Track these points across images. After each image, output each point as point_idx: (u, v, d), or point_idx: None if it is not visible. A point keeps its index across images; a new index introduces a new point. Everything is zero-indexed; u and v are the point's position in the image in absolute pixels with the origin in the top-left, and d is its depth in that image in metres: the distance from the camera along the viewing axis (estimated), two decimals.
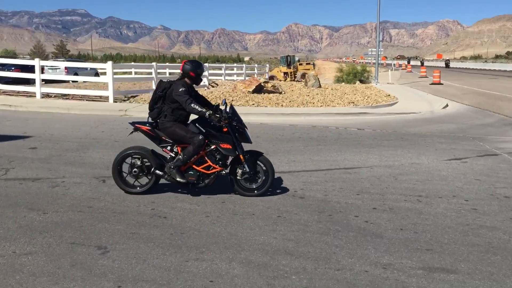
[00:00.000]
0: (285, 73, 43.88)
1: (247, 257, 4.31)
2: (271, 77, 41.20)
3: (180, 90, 5.94)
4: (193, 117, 6.21)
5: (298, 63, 47.48)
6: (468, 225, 5.28)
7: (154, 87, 19.27)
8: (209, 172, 6.09)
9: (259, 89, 20.06)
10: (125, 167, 6.23)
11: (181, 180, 6.02)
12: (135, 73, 34.12)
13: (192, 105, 5.90)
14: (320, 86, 24.17)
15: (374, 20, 34.33)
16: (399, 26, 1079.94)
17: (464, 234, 5.01)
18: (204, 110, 5.93)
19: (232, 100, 16.87)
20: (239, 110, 6.74)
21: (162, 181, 6.25)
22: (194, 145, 5.91)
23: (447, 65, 76.94)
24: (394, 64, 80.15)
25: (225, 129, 6.08)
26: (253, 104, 16.64)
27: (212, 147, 6.08)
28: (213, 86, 25.03)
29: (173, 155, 6.14)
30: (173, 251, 4.42)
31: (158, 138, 6.19)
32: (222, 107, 6.26)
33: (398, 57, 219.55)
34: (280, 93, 20.29)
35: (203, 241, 4.68)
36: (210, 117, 5.91)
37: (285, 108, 16.10)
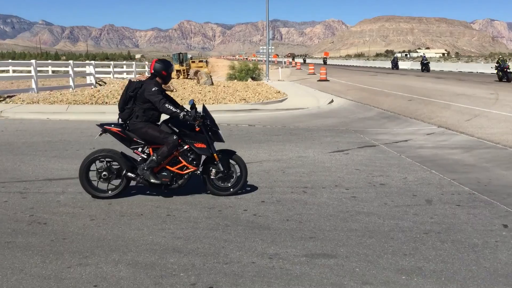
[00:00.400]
0: (178, 71, 43.37)
1: (134, 258, 4.21)
2: None
3: (153, 89, 5.85)
4: (164, 116, 6.01)
5: (191, 61, 47.18)
6: (348, 212, 5.64)
7: (34, 86, 18.03)
8: (183, 172, 6.03)
9: None
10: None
11: (155, 181, 5.91)
12: (14, 71, 31.61)
13: (166, 105, 5.85)
14: (212, 84, 24.27)
15: (265, 19, 35.22)
16: (289, 25, 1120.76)
17: (344, 220, 5.35)
18: (178, 110, 5.87)
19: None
20: None
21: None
22: (168, 145, 5.85)
23: (324, 62, 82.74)
24: (284, 62, 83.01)
25: (197, 129, 6.01)
26: None
27: (186, 147, 6.04)
28: (100, 85, 24.01)
29: (145, 157, 6.02)
30: (53, 258, 4.18)
31: (129, 139, 6.03)
32: (188, 108, 6.15)
33: (289, 55, 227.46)
34: (172, 91, 20.03)
35: (87, 245, 4.48)
36: (185, 117, 5.84)
37: None
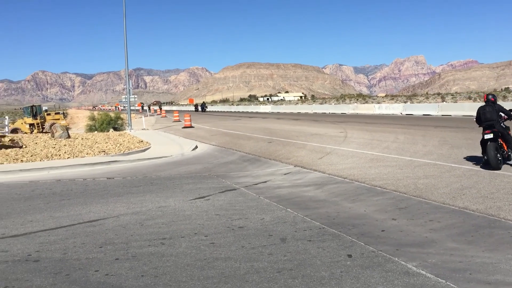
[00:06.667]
0: (31, 125, 40.51)
1: None
2: (15, 130, 37.48)
3: (503, 106, 11.05)
4: None
5: (45, 113, 44.39)
6: (205, 260, 5.59)
7: None
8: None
9: None
10: None
11: None
12: None
13: None
14: (69, 137, 23.00)
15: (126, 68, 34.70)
16: (153, 73, 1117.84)
17: (201, 269, 5.28)
18: None
19: None
20: None
21: None
22: None
23: (197, 109, 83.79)
24: (149, 110, 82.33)
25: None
26: None
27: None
28: None
29: (499, 145, 10.96)
30: None
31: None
32: None
33: (154, 103, 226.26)
34: (21, 147, 18.54)
35: None
36: None
37: (25, 163, 14.73)
